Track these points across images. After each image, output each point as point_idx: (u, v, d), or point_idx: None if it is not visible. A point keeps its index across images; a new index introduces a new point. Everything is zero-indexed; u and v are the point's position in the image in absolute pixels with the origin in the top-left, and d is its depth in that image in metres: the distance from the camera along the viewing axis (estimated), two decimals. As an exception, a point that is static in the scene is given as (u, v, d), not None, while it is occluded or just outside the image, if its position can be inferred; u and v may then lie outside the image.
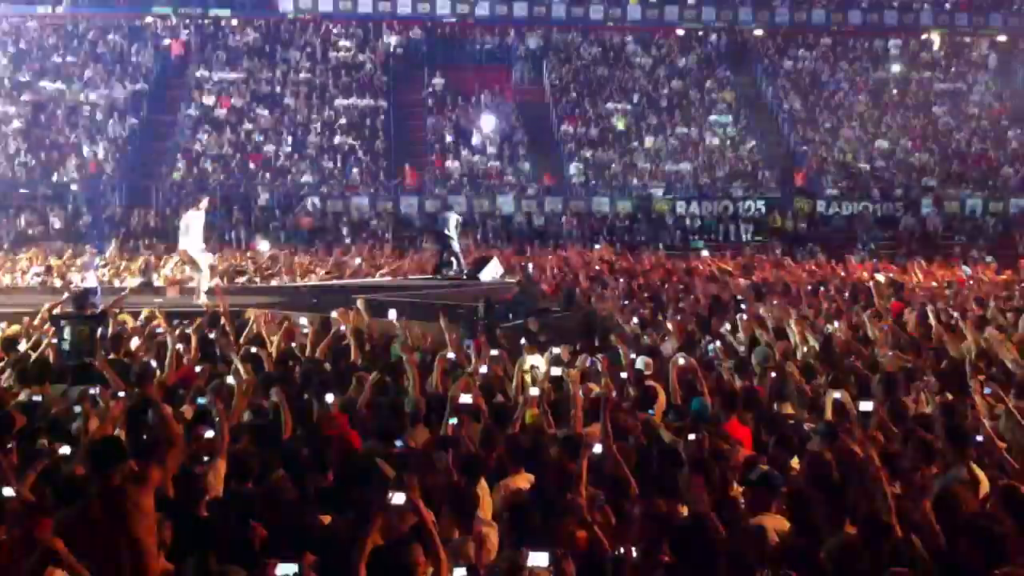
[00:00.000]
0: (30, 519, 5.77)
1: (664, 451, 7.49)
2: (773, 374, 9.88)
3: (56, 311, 12.25)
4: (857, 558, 5.47)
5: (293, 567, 4.86)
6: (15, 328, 12.94)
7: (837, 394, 8.63)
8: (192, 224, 16.93)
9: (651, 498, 6.23)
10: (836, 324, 12.97)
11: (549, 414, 8.47)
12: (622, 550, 5.24)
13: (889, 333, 11.96)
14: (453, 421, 7.62)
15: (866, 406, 7.86)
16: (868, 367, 10.15)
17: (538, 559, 4.92)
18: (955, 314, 13.90)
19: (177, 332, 11.42)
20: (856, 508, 6.09)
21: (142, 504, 5.74)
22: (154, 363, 10.48)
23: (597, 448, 6.78)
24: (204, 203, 17.82)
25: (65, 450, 6.98)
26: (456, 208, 22.02)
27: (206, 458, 7.19)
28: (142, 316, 13.51)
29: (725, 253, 25.61)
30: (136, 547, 5.60)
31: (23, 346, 11.59)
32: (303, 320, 12.98)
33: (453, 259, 21.06)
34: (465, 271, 20.84)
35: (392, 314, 13.03)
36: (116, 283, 19.31)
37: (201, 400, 8.58)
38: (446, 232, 20.99)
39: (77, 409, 8.31)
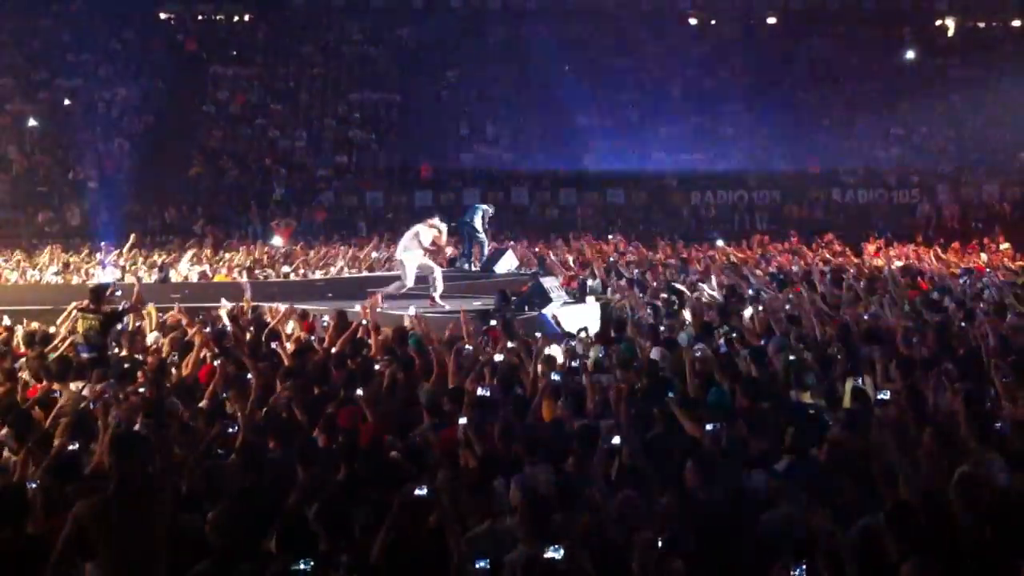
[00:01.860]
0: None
1: (683, 441, 7.50)
2: (791, 358, 9.89)
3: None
4: (882, 544, 5.48)
5: (309, 563, 4.88)
6: (34, 325, 13.04)
7: (856, 381, 8.64)
8: (422, 235, 16.33)
9: (671, 488, 6.25)
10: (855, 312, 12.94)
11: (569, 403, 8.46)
12: (642, 540, 5.24)
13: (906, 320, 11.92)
14: (463, 421, 7.62)
15: (883, 394, 7.86)
16: (887, 355, 10.11)
17: (554, 553, 4.94)
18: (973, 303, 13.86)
19: (195, 329, 11.47)
20: (879, 495, 6.09)
21: (164, 500, 5.81)
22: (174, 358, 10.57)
23: (615, 440, 6.78)
24: (436, 221, 16.85)
25: (73, 446, 7.02)
26: (488, 204, 21.84)
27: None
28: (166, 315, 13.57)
29: (741, 242, 25.48)
30: (157, 542, 5.65)
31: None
32: (326, 317, 13.05)
33: (469, 251, 20.97)
34: (480, 264, 20.79)
35: (412, 309, 13.05)
36: (131, 280, 19.37)
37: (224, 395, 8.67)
38: (473, 225, 20.92)
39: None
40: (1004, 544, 5.38)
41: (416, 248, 16.19)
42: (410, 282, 16.09)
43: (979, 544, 5.56)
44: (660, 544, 5.42)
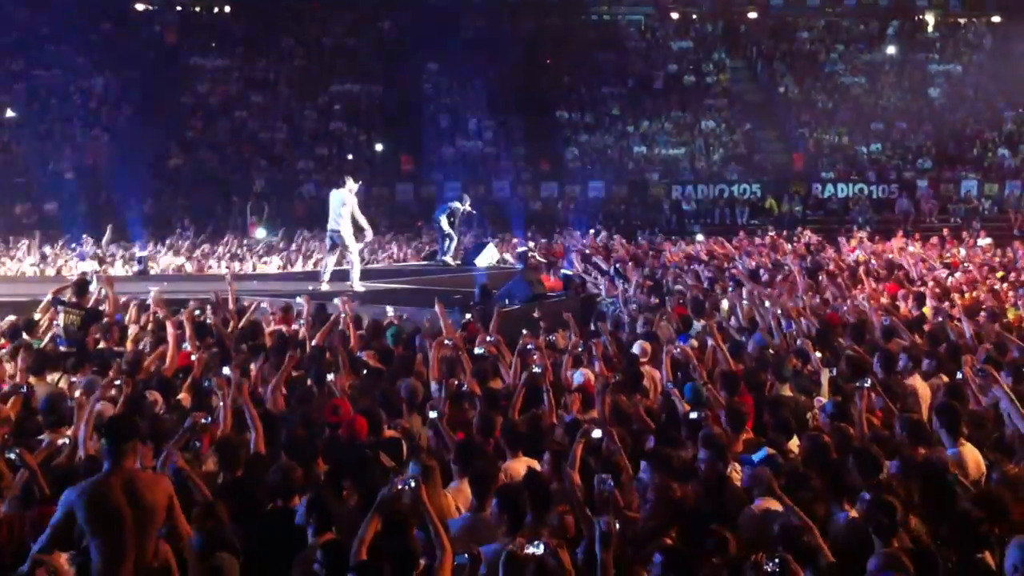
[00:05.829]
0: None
1: (665, 433, 7.50)
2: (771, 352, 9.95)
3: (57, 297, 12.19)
4: (860, 539, 5.51)
5: None
6: (11, 317, 12.93)
7: (832, 372, 8.68)
8: (332, 204, 16.17)
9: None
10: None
11: (551, 397, 8.45)
12: (605, 523, 5.23)
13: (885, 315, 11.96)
14: (433, 415, 7.60)
15: (865, 383, 7.91)
16: (868, 350, 10.17)
17: (534, 549, 4.92)
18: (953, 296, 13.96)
19: (172, 320, 11.37)
20: (853, 488, 6.12)
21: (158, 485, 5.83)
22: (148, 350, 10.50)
23: (596, 433, 6.77)
24: (349, 182, 16.39)
25: (64, 440, 7.00)
26: (465, 200, 21.62)
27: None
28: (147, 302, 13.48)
29: (720, 237, 25.58)
30: (151, 526, 5.66)
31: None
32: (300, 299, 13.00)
33: (444, 246, 20.90)
34: (454, 260, 20.67)
35: (389, 310, 13.01)
36: (111, 272, 19.26)
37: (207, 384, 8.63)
38: (439, 223, 20.83)
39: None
40: (967, 535, 5.42)
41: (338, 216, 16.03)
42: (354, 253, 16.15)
43: (948, 539, 5.61)
44: (640, 539, 5.44)
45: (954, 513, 5.60)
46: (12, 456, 6.30)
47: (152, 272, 20.43)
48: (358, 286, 15.94)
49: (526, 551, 4.93)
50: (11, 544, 5.83)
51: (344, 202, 16.13)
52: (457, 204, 21.06)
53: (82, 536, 5.72)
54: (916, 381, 8.99)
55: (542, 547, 4.93)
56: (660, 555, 5.11)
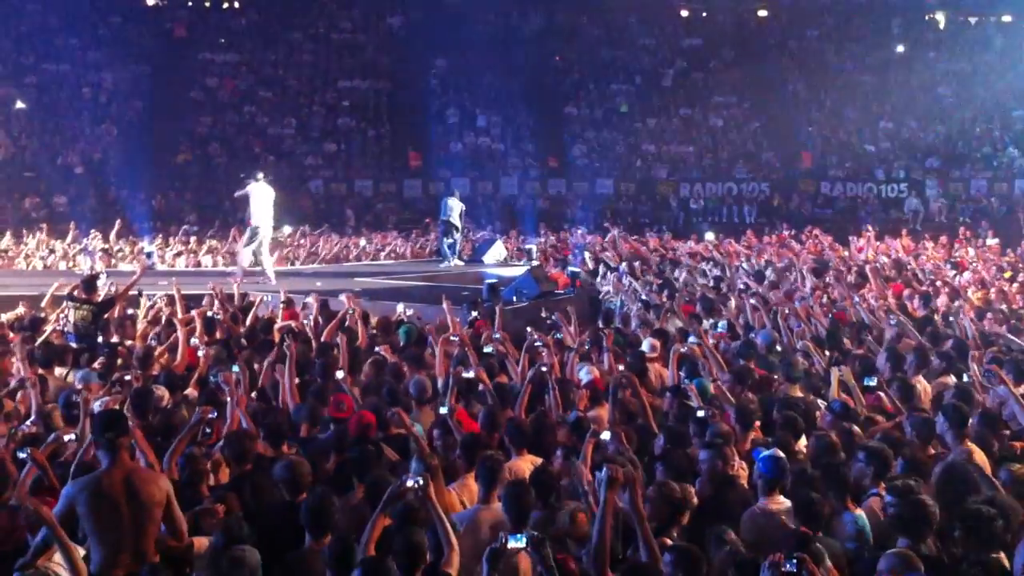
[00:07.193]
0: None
1: (672, 433, 7.51)
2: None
3: (64, 292, 12.21)
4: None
5: None
6: (20, 311, 12.98)
7: (841, 370, 8.67)
8: (250, 197, 16.84)
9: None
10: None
11: (557, 393, 8.45)
12: (610, 469, 5.28)
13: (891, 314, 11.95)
14: (444, 410, 7.61)
15: (870, 381, 7.89)
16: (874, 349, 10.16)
17: (516, 542, 4.92)
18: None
19: (181, 316, 11.41)
20: (859, 488, 6.12)
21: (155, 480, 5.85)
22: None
23: (605, 435, 6.77)
24: (260, 175, 17.49)
25: (71, 436, 7.03)
26: (456, 193, 21.50)
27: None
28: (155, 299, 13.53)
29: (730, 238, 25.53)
30: (150, 521, 5.68)
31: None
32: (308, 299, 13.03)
33: (448, 249, 20.78)
34: (456, 261, 20.58)
35: (400, 307, 13.04)
36: (122, 267, 19.31)
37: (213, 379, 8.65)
38: (451, 221, 20.78)
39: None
40: (982, 534, 5.41)
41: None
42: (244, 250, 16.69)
43: (953, 537, 5.60)
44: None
45: (968, 512, 5.56)
46: (23, 455, 6.35)
47: (160, 267, 20.45)
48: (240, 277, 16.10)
49: (509, 545, 4.93)
50: (11, 533, 5.87)
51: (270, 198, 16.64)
52: (459, 202, 21.02)
53: (85, 534, 5.76)
54: (920, 380, 8.98)
55: (524, 540, 4.92)
56: (669, 554, 5.12)
